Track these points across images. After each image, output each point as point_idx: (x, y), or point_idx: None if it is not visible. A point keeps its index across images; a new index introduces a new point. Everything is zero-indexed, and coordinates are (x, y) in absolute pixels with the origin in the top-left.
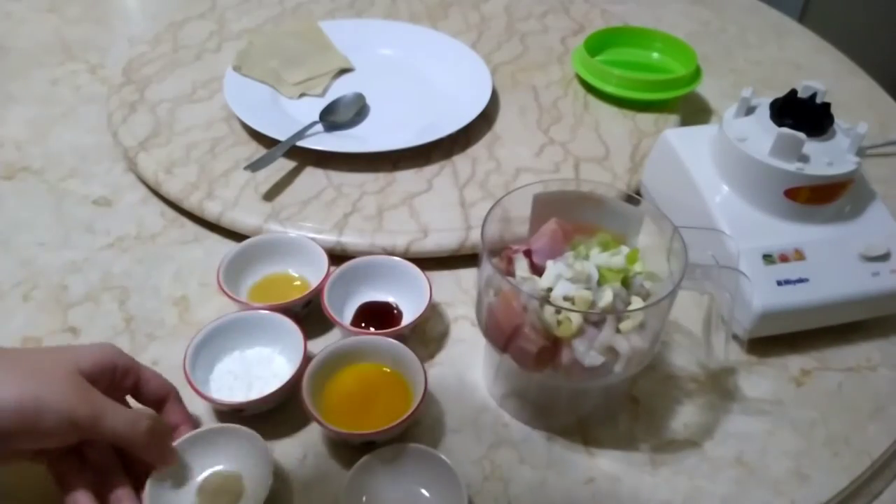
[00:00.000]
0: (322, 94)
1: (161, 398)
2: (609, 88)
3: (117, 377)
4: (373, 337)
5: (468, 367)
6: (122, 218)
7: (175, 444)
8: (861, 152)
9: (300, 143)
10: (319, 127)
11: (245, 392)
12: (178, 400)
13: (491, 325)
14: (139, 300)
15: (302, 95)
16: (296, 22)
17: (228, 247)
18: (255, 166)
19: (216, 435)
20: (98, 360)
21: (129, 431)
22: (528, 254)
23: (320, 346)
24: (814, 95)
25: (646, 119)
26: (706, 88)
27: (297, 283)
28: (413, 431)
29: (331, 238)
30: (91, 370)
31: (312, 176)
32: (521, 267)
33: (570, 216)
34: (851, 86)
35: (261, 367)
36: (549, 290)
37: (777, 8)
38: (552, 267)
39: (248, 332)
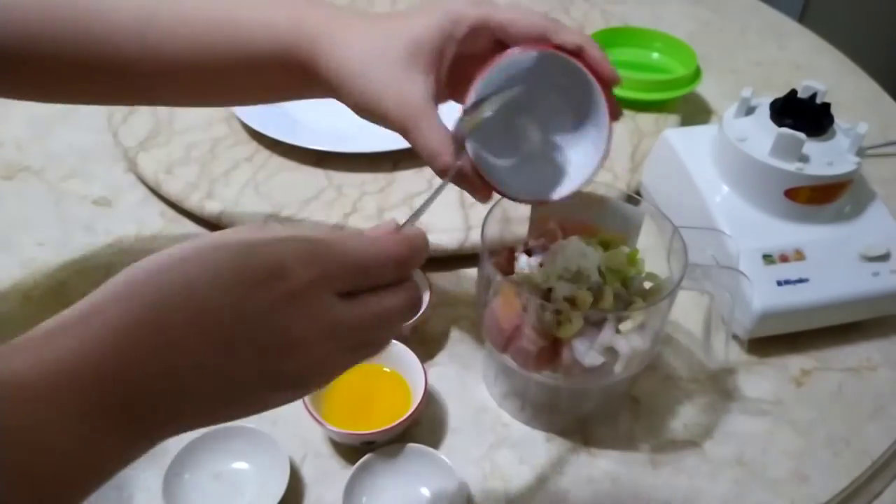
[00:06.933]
0: None
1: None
2: None
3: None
4: None
5: (468, 367)
6: (122, 218)
7: (192, 440)
8: (861, 152)
9: (300, 143)
10: (319, 127)
11: None
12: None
13: (491, 325)
14: None
15: None
16: None
17: None
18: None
19: (232, 433)
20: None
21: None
22: (528, 254)
23: None
24: (814, 95)
25: (646, 119)
26: (706, 88)
27: None
28: (413, 431)
29: None
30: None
31: (312, 176)
32: (522, 267)
33: (570, 216)
34: (851, 86)
35: None
36: (549, 290)
37: (777, 8)
38: (551, 267)
39: None
